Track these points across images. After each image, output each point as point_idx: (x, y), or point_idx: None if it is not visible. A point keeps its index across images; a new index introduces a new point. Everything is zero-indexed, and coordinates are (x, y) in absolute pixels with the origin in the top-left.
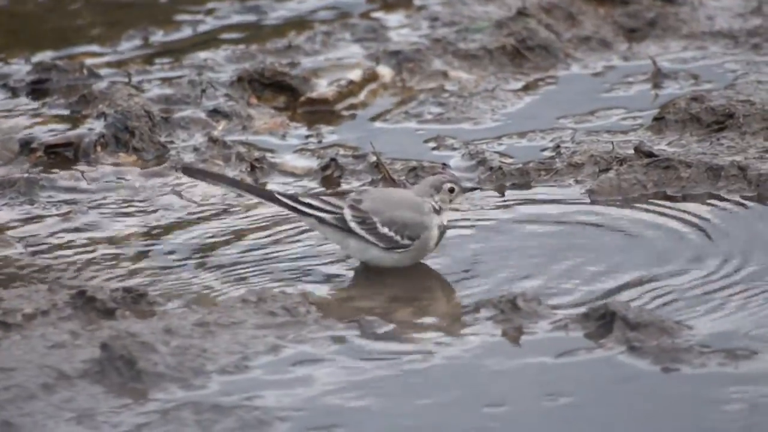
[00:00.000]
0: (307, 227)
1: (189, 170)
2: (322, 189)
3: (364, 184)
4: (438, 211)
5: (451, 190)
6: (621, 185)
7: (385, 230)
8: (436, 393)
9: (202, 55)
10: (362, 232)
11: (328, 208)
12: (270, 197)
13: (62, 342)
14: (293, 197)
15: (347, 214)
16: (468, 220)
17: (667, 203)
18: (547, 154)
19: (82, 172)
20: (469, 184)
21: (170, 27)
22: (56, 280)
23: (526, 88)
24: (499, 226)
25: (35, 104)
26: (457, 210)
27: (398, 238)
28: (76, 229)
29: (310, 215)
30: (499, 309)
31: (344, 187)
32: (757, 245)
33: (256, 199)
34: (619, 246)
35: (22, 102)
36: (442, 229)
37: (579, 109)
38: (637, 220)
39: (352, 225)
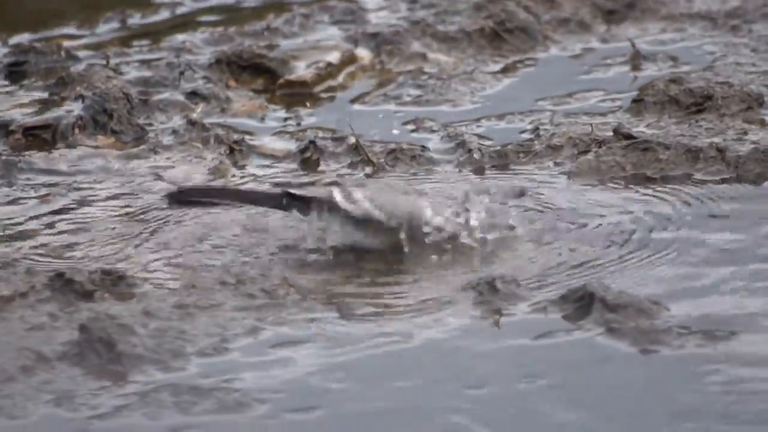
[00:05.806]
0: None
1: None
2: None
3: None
4: None
5: None
6: (600, 167)
7: None
8: (416, 375)
9: (180, 37)
10: None
11: None
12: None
13: (41, 324)
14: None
15: None
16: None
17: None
18: (526, 136)
19: (61, 155)
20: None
21: (148, 9)
22: (34, 263)
23: (505, 71)
24: None
25: (13, 86)
26: None
27: None
28: (55, 212)
29: None
30: (477, 291)
31: (323, 169)
32: (735, 227)
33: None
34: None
35: (0, 84)
36: None
37: (558, 91)
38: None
39: None
